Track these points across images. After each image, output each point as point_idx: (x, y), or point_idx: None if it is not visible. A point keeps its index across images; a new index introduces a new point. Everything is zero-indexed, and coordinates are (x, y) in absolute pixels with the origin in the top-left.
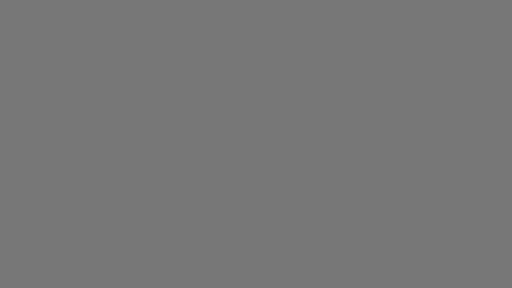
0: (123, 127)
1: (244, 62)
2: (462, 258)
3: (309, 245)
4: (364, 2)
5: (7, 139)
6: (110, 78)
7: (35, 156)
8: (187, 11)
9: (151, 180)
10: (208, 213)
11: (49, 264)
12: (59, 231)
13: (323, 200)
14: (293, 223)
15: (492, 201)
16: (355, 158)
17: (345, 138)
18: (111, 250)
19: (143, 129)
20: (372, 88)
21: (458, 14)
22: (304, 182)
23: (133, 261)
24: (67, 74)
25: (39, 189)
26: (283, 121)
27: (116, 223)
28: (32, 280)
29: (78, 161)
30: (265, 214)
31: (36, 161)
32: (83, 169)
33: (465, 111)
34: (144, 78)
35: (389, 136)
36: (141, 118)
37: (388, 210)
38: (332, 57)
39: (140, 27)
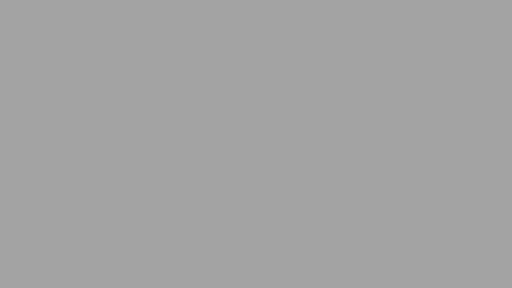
0: (123, 127)
1: (244, 62)
2: (462, 258)
3: (309, 245)
4: (364, 2)
5: (7, 139)
6: (110, 78)
7: (35, 156)
8: (187, 12)
9: (151, 181)
10: (208, 213)
11: (49, 264)
12: (59, 231)
13: (323, 200)
14: (293, 223)
15: (492, 201)
16: (355, 158)
17: (345, 139)
18: (111, 250)
19: (143, 129)
20: (372, 88)
21: (458, 14)
22: (304, 182)
23: (133, 261)
24: (67, 74)
25: (39, 189)
26: (283, 122)
27: (116, 223)
28: (32, 280)
29: (78, 161)
30: (265, 215)
31: (36, 161)
32: (83, 169)
33: (465, 111)
34: (144, 78)
35: (389, 137)
36: (141, 118)
37: (388, 210)
38: (332, 57)
39: (140, 27)
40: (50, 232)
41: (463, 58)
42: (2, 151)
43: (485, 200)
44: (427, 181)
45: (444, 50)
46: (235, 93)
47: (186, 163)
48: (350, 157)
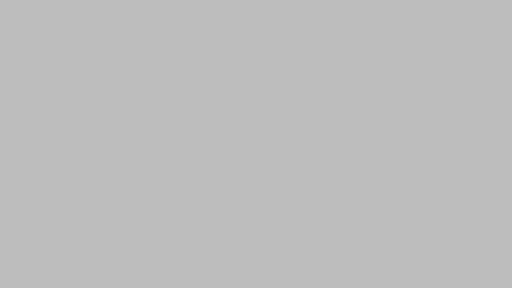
0: (123, 127)
1: (244, 62)
2: (462, 258)
3: (309, 245)
4: (364, 2)
5: (7, 139)
6: (110, 78)
7: (35, 156)
8: (187, 12)
9: (151, 181)
10: (208, 213)
11: (49, 264)
12: (59, 231)
13: (323, 200)
14: (293, 223)
15: (492, 201)
16: (355, 158)
17: (345, 139)
18: (111, 250)
19: (143, 129)
20: (372, 88)
21: (458, 14)
22: (304, 182)
23: (133, 261)
24: (67, 74)
25: (39, 189)
26: (283, 122)
27: (116, 224)
28: (32, 280)
29: (78, 161)
30: (265, 214)
31: (36, 161)
32: (83, 169)
33: (465, 111)
34: (144, 78)
35: (389, 136)
36: (141, 118)
37: (388, 210)
38: (332, 57)
39: (140, 27)
40: (50, 232)
41: (463, 58)
42: (2, 151)
43: (485, 200)
44: (427, 182)
45: (444, 50)
46: (235, 94)
47: (186, 164)
48: (350, 158)
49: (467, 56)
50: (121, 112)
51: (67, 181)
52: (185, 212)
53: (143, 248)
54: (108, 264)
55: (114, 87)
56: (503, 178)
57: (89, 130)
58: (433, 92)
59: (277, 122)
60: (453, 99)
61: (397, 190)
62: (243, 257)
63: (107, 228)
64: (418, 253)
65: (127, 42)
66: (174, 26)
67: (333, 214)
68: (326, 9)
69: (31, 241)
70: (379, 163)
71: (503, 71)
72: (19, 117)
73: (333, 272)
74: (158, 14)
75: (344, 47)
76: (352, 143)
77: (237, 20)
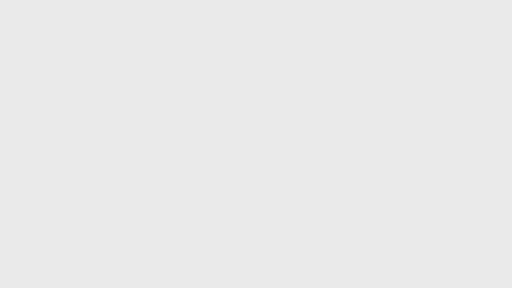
0: (123, 127)
1: (244, 62)
2: (462, 258)
3: (309, 245)
4: (364, 2)
5: (7, 139)
6: (110, 78)
7: (35, 156)
8: (187, 12)
9: (151, 181)
10: (208, 213)
11: (49, 264)
12: (59, 231)
13: (323, 200)
14: (294, 223)
15: (492, 201)
16: (355, 159)
17: (344, 139)
18: (111, 250)
19: (143, 129)
20: (372, 88)
21: (458, 14)
22: (304, 182)
23: (133, 261)
24: (67, 74)
25: (39, 189)
26: (283, 122)
27: (116, 224)
28: (32, 280)
29: (78, 161)
30: (265, 215)
31: (36, 161)
32: (83, 170)
33: (465, 111)
34: (144, 78)
35: (388, 137)
36: (141, 118)
37: (388, 210)
38: (332, 57)
39: (140, 27)
40: (50, 232)
41: (463, 58)
42: (2, 151)
43: (485, 200)
44: (427, 181)
45: (444, 50)
46: (235, 94)
47: (186, 164)
48: (350, 158)
49: (467, 56)
50: (121, 112)
51: (67, 181)
52: (185, 213)
53: (143, 248)
54: (108, 264)
55: (114, 87)
56: (503, 178)
57: (89, 130)
58: (433, 92)
59: (277, 123)
60: (453, 99)
61: (397, 190)
62: (243, 257)
63: (107, 228)
64: (418, 253)
65: (127, 42)
66: (174, 26)
67: (333, 214)
68: (326, 9)
69: (31, 241)
70: (379, 163)
71: (503, 71)
72: (19, 117)
73: (333, 272)
74: (158, 14)
75: (344, 47)
76: (352, 143)
77: (237, 20)
